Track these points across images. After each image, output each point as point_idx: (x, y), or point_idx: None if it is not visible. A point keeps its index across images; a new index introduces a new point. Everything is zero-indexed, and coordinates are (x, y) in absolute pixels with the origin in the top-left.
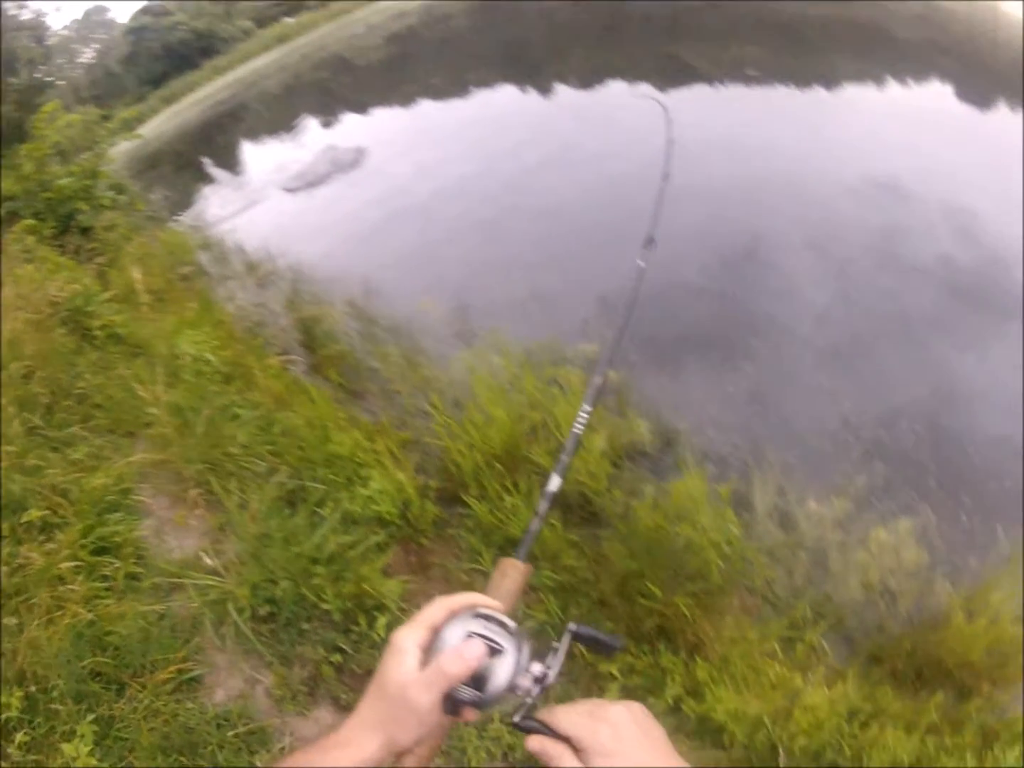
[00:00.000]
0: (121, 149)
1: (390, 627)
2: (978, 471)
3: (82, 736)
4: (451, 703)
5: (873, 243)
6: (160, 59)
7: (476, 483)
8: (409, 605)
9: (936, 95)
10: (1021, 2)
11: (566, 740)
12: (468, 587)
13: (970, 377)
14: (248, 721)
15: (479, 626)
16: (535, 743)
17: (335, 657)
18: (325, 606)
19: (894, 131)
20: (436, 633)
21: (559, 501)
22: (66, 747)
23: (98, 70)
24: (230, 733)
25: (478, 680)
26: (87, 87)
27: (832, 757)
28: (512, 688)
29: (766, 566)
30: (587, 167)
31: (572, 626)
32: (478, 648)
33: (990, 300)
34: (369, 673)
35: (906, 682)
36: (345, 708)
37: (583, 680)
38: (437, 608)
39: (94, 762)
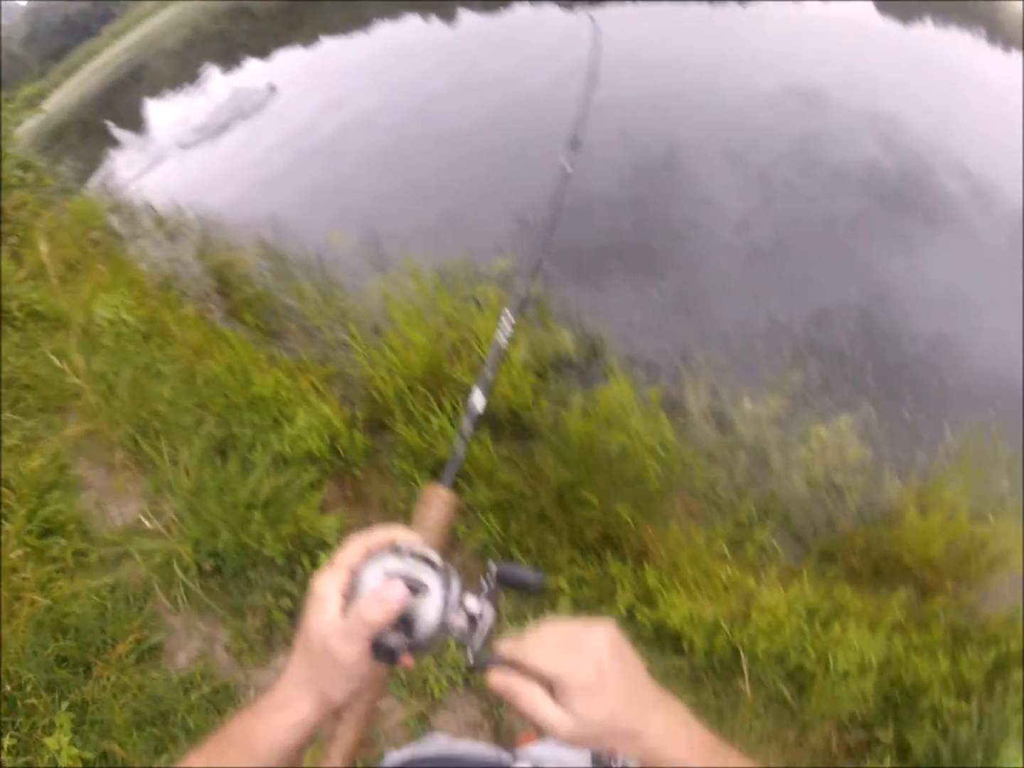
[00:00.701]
0: (26, 127)
1: None
2: (917, 368)
3: (61, 726)
4: (381, 650)
5: (794, 151)
6: (59, 33)
7: (401, 408)
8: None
9: (856, 9)
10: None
11: (537, 675)
12: (406, 514)
13: (899, 278)
14: (212, 680)
15: (399, 564)
16: (498, 678)
17: (284, 602)
18: (267, 552)
19: (812, 43)
20: (355, 575)
21: (487, 418)
22: (49, 741)
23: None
24: (196, 696)
25: (406, 622)
26: None
27: (797, 659)
28: (445, 628)
29: (706, 468)
30: (494, 90)
31: (492, 567)
32: (397, 590)
33: (915, 204)
34: None
35: (864, 580)
36: None
37: (532, 595)
38: (353, 548)
39: (76, 751)
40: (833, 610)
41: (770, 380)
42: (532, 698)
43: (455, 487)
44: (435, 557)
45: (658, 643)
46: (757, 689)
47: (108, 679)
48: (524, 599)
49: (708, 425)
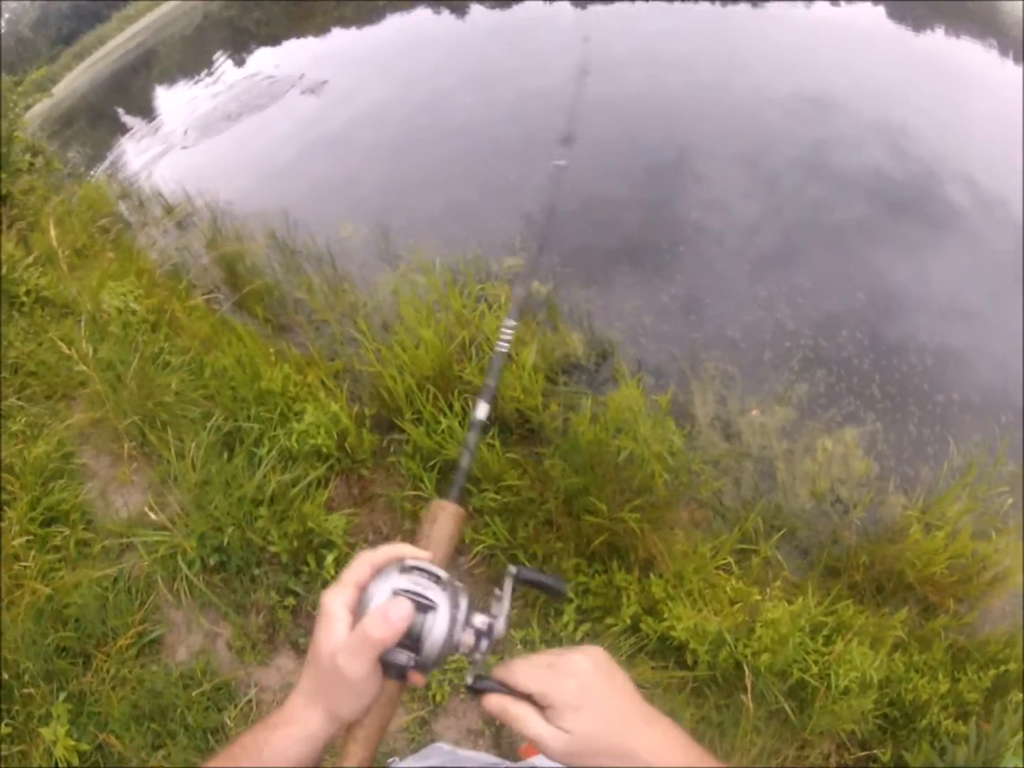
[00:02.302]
0: (36, 111)
1: (339, 564)
2: (924, 382)
3: (58, 717)
4: (390, 668)
5: (803, 156)
6: (69, 17)
7: (410, 407)
8: (356, 539)
9: (866, 15)
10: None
11: (527, 698)
12: (412, 515)
13: (906, 288)
14: (212, 677)
15: (405, 581)
16: (494, 703)
17: (289, 600)
18: (273, 548)
19: (823, 48)
20: (363, 592)
21: (496, 420)
22: (44, 731)
23: (9, 39)
24: (196, 692)
25: (414, 640)
26: None
27: (799, 674)
28: (453, 645)
29: (712, 477)
30: (504, 85)
31: (512, 569)
32: (403, 608)
33: (923, 213)
34: None
35: (867, 596)
36: (305, 652)
37: (538, 604)
38: (361, 564)
39: (72, 743)
40: (836, 626)
41: (777, 390)
42: (524, 717)
43: (461, 499)
44: (443, 574)
45: (662, 655)
46: (759, 704)
47: (107, 671)
48: (531, 606)
49: (715, 433)
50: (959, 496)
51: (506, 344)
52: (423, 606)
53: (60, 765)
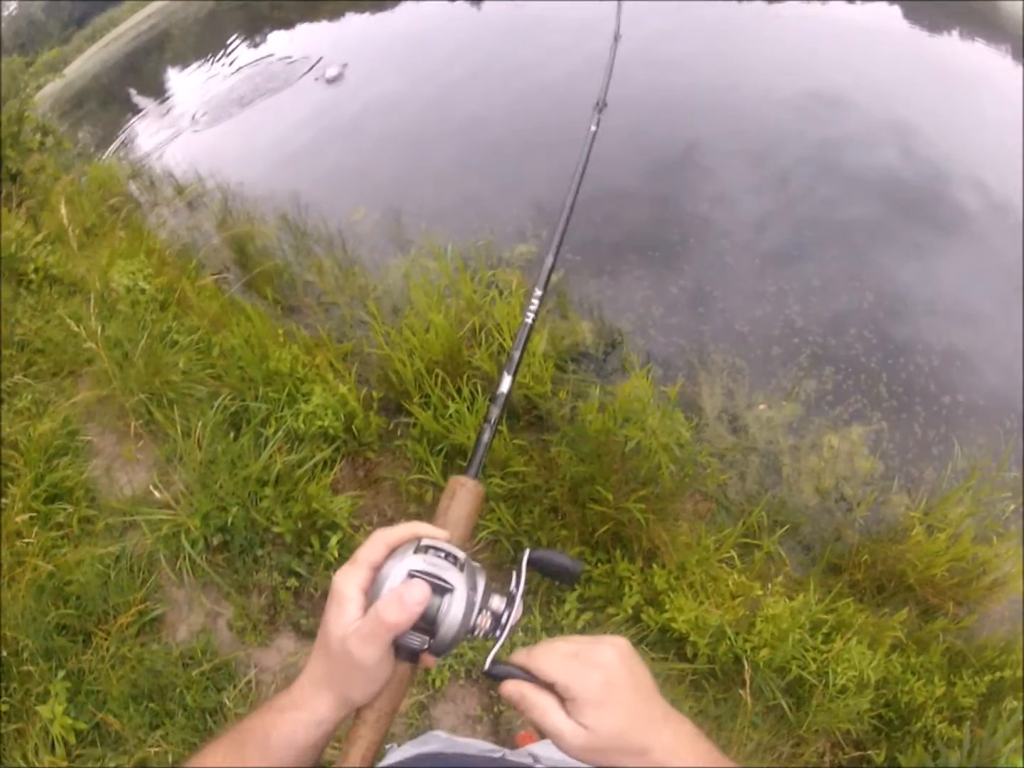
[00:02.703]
0: (47, 92)
1: (343, 546)
2: (930, 383)
3: (56, 695)
4: (403, 651)
5: (813, 154)
6: None
7: (418, 391)
8: (360, 521)
9: (882, 15)
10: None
11: (548, 687)
12: (418, 499)
13: (914, 288)
14: (212, 657)
15: (422, 562)
16: (513, 690)
17: (291, 581)
18: (277, 529)
19: (836, 47)
20: (377, 572)
21: (504, 406)
22: (42, 709)
23: (21, 20)
24: (196, 672)
25: (429, 623)
26: (10, 38)
27: (797, 671)
28: (469, 628)
29: (718, 470)
30: (517, 76)
31: (528, 552)
32: (419, 591)
33: (932, 214)
34: (326, 596)
35: (867, 595)
36: (306, 634)
37: (540, 591)
38: (375, 543)
39: (69, 721)
40: (835, 624)
41: (785, 385)
42: (544, 708)
43: (480, 476)
44: (461, 554)
45: (662, 646)
46: (757, 699)
47: (107, 650)
48: (532, 592)
49: (722, 426)
50: (962, 499)
51: (532, 314)
52: (439, 588)
53: (57, 743)
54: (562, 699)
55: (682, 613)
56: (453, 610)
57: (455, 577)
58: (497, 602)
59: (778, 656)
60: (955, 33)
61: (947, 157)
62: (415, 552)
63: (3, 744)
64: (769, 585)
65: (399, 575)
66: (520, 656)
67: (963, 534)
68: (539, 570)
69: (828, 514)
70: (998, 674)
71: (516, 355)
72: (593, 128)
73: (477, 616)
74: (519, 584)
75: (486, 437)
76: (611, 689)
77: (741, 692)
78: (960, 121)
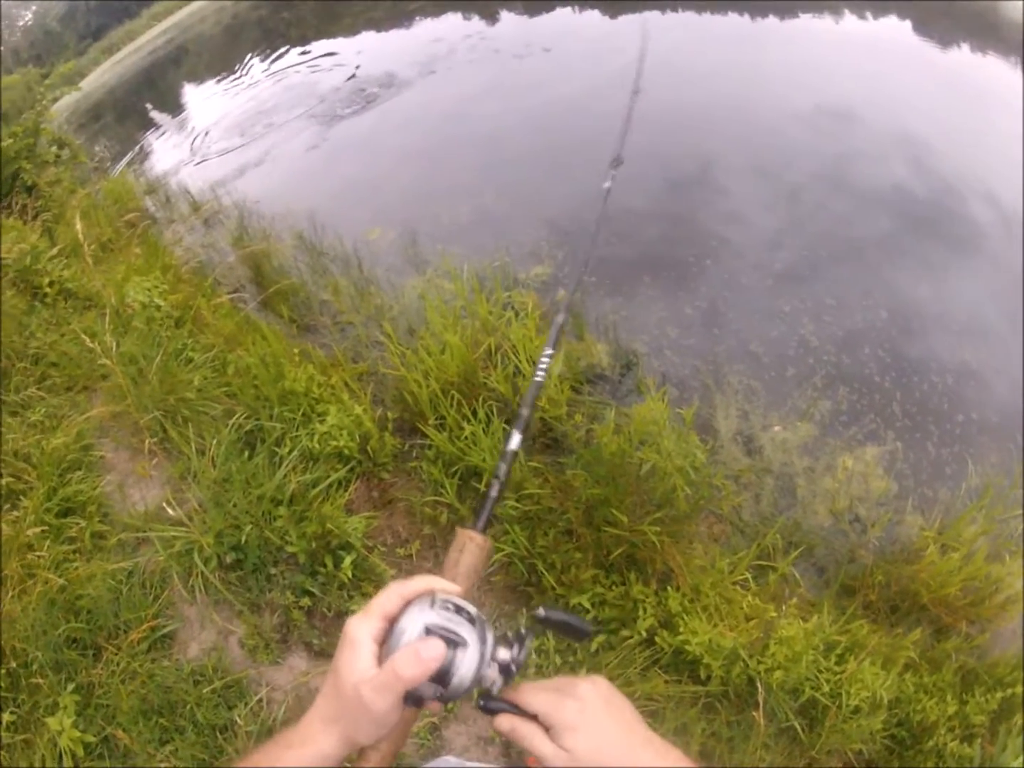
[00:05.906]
0: (63, 104)
1: (356, 566)
2: (944, 401)
3: (65, 708)
4: (412, 698)
5: (825, 170)
6: (97, 11)
7: (434, 412)
8: (374, 542)
9: (893, 29)
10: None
11: (534, 718)
12: (432, 520)
13: (927, 305)
14: (224, 675)
15: (437, 617)
16: (505, 723)
17: (304, 601)
18: (290, 549)
19: (848, 61)
20: (392, 623)
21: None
22: (50, 721)
23: (36, 31)
24: (207, 689)
25: (442, 674)
26: (26, 48)
27: (810, 693)
28: (478, 680)
29: (733, 492)
30: (532, 94)
31: (541, 612)
32: (436, 648)
33: (944, 230)
34: (339, 616)
35: (881, 616)
36: (318, 654)
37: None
38: (391, 595)
39: (78, 734)
40: (849, 645)
41: (800, 406)
42: (531, 735)
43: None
44: (472, 609)
45: (675, 668)
46: (770, 720)
47: (117, 664)
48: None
49: (736, 448)
50: (975, 518)
51: (543, 373)
52: (453, 642)
53: (65, 755)
54: (546, 728)
55: (696, 635)
56: (466, 663)
57: (468, 633)
58: (503, 653)
59: (791, 678)
60: (965, 47)
61: (959, 172)
62: (430, 606)
63: (10, 754)
64: (783, 607)
65: (415, 630)
66: (508, 692)
67: (976, 553)
68: (550, 628)
69: (842, 535)
70: (1009, 691)
71: (525, 412)
72: (607, 184)
73: (487, 669)
74: (522, 649)
75: (494, 492)
76: (585, 716)
77: (754, 714)
78: (972, 135)
